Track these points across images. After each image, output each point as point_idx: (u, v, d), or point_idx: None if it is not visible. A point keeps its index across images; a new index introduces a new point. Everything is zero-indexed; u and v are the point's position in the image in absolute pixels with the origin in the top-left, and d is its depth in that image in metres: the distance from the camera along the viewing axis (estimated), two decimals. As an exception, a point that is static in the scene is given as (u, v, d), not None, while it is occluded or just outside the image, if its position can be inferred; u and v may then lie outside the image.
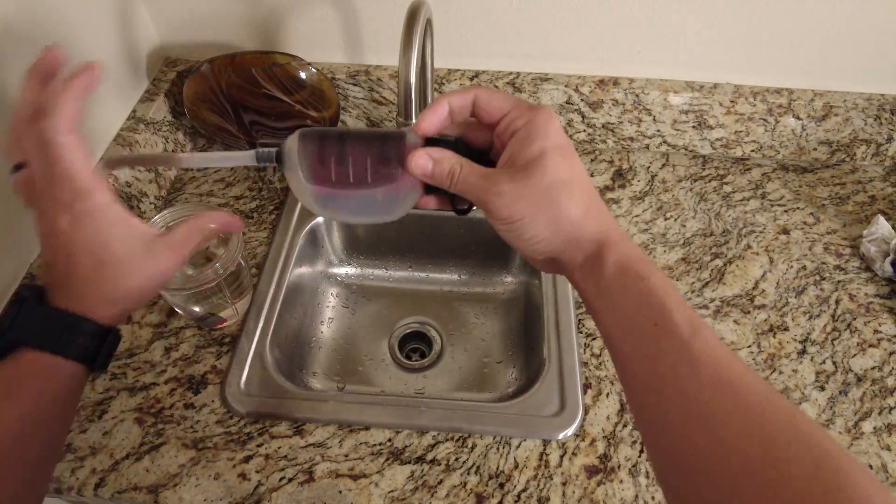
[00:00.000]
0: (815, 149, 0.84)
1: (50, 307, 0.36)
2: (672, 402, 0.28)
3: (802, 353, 0.65)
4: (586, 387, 0.62)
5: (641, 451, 0.57)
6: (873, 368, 0.64)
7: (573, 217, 0.33)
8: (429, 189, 0.38)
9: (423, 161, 0.35)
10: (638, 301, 0.31)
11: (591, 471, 0.56)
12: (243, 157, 0.39)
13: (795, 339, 0.66)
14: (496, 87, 0.80)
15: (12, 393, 0.34)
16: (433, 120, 0.36)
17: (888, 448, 0.58)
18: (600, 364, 0.63)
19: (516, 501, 0.54)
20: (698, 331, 0.29)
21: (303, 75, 0.76)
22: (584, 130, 0.84)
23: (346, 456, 0.57)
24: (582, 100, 0.80)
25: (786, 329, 0.67)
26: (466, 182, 0.34)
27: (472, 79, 0.80)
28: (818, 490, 0.24)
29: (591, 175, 0.83)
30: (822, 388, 0.62)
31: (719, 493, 0.26)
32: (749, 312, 0.68)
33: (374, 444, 0.58)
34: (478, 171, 0.34)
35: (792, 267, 0.73)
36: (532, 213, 0.33)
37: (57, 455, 0.37)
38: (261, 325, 0.66)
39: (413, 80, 0.53)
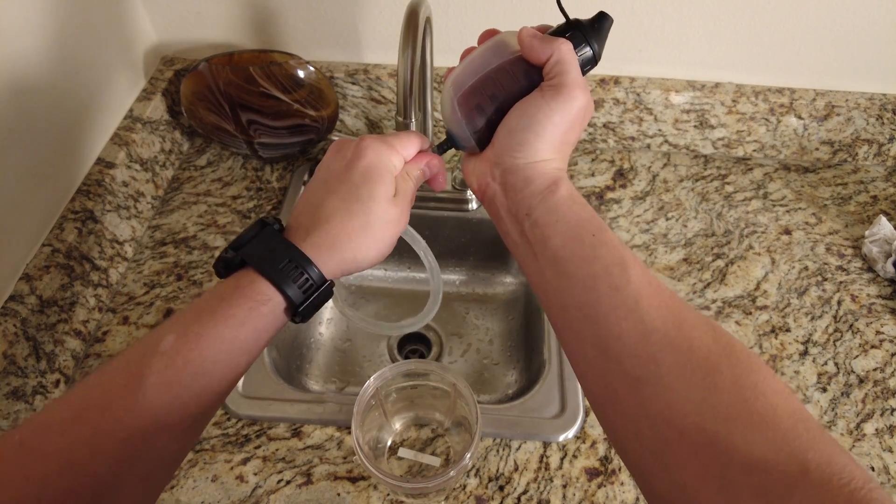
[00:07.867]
0: (816, 149, 0.84)
1: (284, 239, 0.38)
2: (604, 296, 0.34)
3: (804, 354, 0.64)
4: (587, 388, 0.61)
5: (642, 454, 0.57)
6: (875, 370, 0.63)
7: (571, 143, 0.41)
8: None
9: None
10: (581, 218, 0.38)
11: (591, 473, 0.56)
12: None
13: (797, 341, 0.66)
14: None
15: (217, 311, 0.35)
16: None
17: (890, 450, 0.58)
18: (601, 365, 0.63)
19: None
20: (625, 245, 0.38)
21: (301, 74, 0.75)
22: (585, 130, 0.84)
23: (345, 458, 0.56)
24: (582, 99, 0.80)
25: (787, 330, 0.66)
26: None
27: (471, 78, 0.79)
28: (716, 351, 0.31)
29: (592, 175, 0.82)
30: (824, 390, 0.62)
31: (642, 365, 0.31)
32: (751, 313, 0.68)
33: (373, 447, 0.57)
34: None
35: (794, 267, 0.72)
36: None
37: (216, 408, 0.36)
38: (259, 325, 0.65)
39: (412, 78, 0.52)
